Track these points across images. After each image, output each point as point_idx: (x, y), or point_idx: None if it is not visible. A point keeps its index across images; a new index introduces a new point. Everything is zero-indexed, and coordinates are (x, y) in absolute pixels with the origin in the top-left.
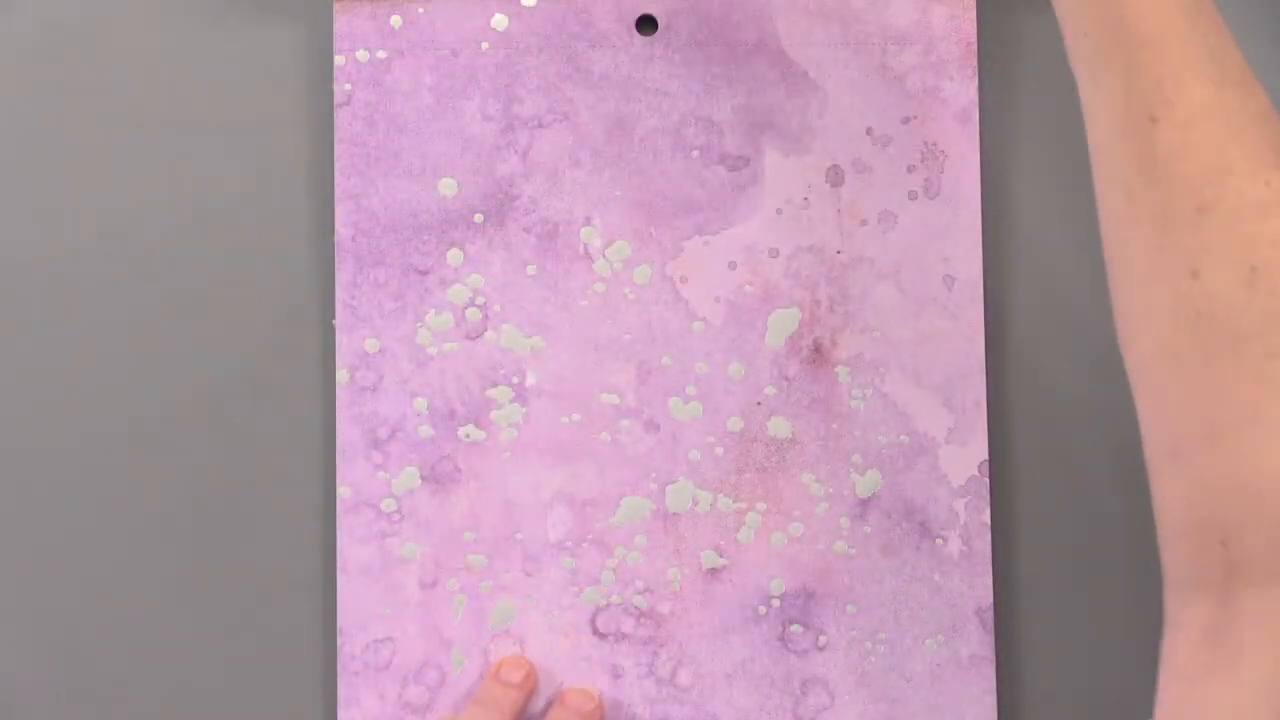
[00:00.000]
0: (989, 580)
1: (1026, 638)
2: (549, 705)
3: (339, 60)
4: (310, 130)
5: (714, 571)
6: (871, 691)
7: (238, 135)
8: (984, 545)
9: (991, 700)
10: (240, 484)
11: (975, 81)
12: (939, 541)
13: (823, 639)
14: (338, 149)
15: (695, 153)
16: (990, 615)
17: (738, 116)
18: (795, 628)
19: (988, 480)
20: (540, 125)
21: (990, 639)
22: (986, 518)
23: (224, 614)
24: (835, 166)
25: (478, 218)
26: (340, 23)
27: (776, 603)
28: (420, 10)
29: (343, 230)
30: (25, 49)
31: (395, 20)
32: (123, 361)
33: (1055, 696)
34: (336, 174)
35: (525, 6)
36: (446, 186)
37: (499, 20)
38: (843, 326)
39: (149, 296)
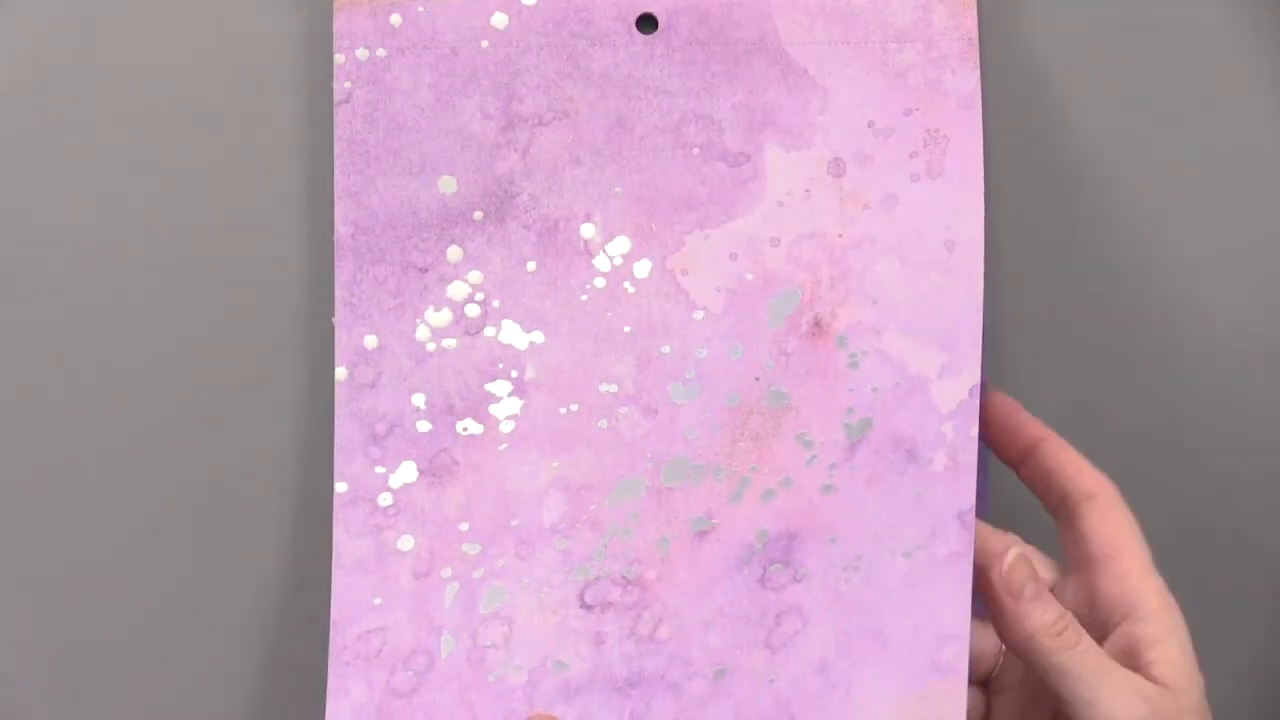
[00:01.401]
0: (972, 484)
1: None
2: None
3: (339, 59)
4: (310, 129)
5: (702, 534)
6: (845, 607)
7: (237, 134)
8: (969, 457)
9: (966, 596)
10: (238, 481)
11: (977, 74)
12: (924, 463)
13: (801, 572)
14: (337, 147)
15: (695, 150)
16: (970, 516)
17: (738, 115)
18: (775, 567)
19: (977, 401)
20: (540, 123)
21: (969, 536)
22: (974, 433)
23: (222, 610)
24: (837, 159)
25: (477, 215)
26: (340, 21)
27: (760, 547)
28: (420, 9)
29: (342, 228)
30: (24, 48)
31: (395, 19)
32: (120, 359)
33: None
34: (336, 172)
35: (525, 5)
36: (446, 184)
37: (499, 19)
38: (843, 301)
39: (147, 294)
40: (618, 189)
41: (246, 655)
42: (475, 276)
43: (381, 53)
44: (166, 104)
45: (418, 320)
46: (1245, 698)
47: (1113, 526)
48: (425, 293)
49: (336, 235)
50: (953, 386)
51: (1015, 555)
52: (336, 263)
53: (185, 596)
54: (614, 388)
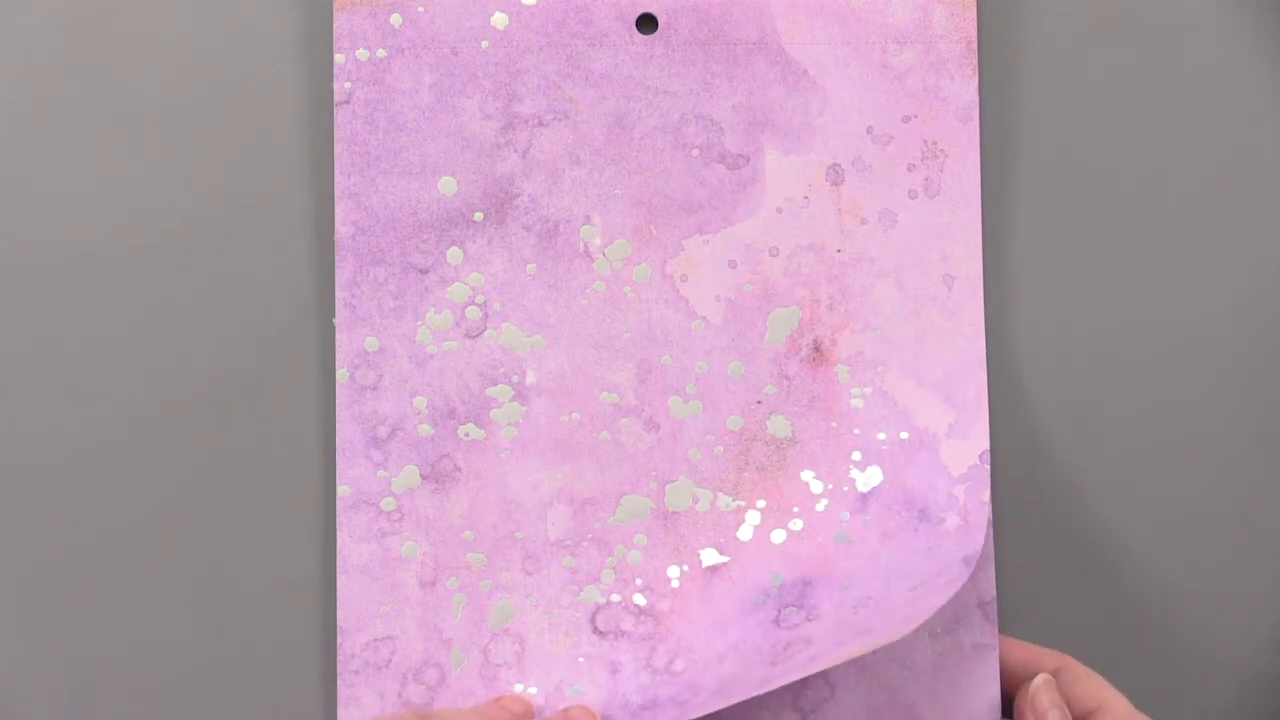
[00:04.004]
0: (981, 534)
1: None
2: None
3: (339, 59)
4: (310, 129)
5: (714, 569)
6: (851, 629)
7: (237, 134)
8: (980, 519)
9: (995, 687)
10: (240, 483)
11: (975, 80)
12: (937, 521)
13: (815, 613)
14: (337, 148)
15: (695, 151)
16: (992, 608)
17: (737, 115)
18: (790, 610)
19: (988, 468)
20: (540, 124)
21: (992, 629)
22: (986, 496)
23: (224, 613)
24: (835, 165)
25: (478, 216)
26: (340, 21)
27: (774, 591)
28: (420, 8)
29: (342, 229)
30: (25, 48)
31: (395, 19)
32: (121, 359)
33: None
34: (336, 173)
35: (525, 5)
36: (446, 185)
37: (499, 19)
38: (843, 325)
39: (147, 295)
40: (617, 190)
41: (249, 658)
42: (476, 279)
43: (382, 53)
44: (167, 104)
45: (418, 322)
46: (1245, 698)
47: (1091, 684)
48: (426, 294)
49: (337, 236)
50: (961, 450)
51: (1042, 680)
52: (337, 264)
53: (186, 598)
54: (615, 398)
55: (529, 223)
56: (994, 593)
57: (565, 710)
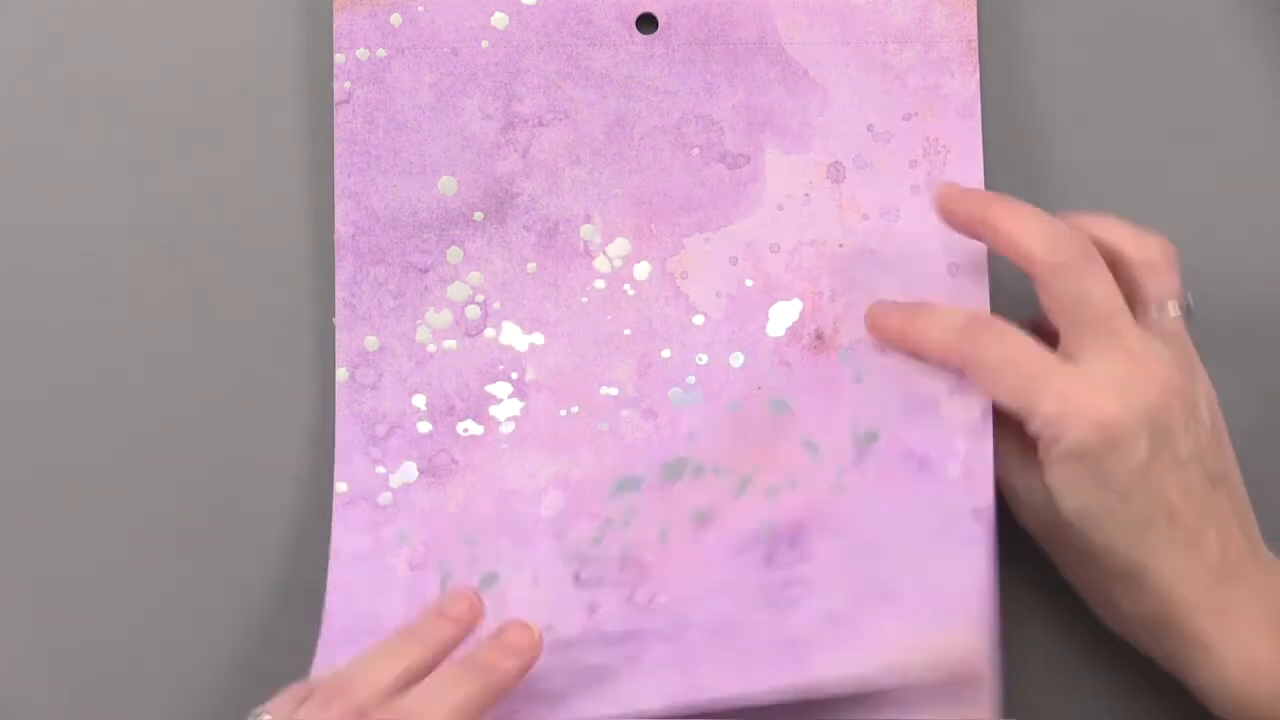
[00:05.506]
0: (989, 487)
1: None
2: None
3: (339, 58)
4: (310, 128)
5: (704, 523)
6: (860, 579)
7: (237, 134)
8: (985, 466)
9: (987, 571)
10: (239, 481)
11: (976, 76)
12: (939, 470)
13: (809, 554)
14: (337, 147)
15: (695, 151)
16: (989, 513)
17: (737, 115)
18: (782, 549)
19: (990, 424)
20: (540, 124)
21: (988, 530)
22: (988, 449)
23: (222, 611)
24: (836, 163)
25: (478, 215)
26: (340, 20)
27: (765, 537)
28: (420, 8)
29: (342, 228)
30: (25, 48)
31: (395, 18)
32: (121, 359)
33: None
34: (336, 172)
35: (525, 5)
36: (446, 185)
37: (499, 18)
38: (845, 315)
39: (148, 294)
40: (617, 190)
41: (246, 657)
42: (476, 278)
43: (381, 53)
44: (167, 104)
45: (418, 321)
46: None
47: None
48: (426, 294)
49: (337, 235)
50: (963, 406)
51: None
52: (337, 263)
53: (185, 598)
54: (614, 391)
55: (529, 222)
56: (991, 499)
57: (500, 628)
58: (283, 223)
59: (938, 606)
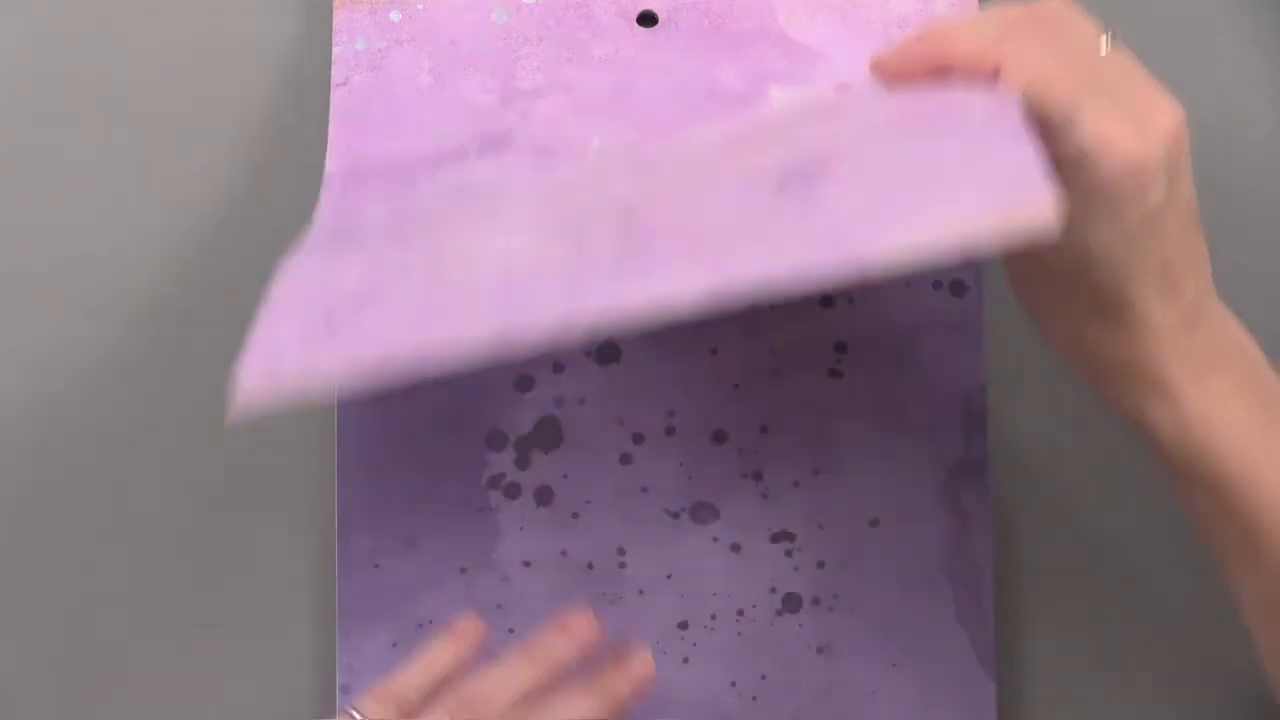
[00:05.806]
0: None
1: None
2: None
3: (337, 50)
4: (310, 128)
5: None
6: (888, 168)
7: (237, 133)
8: (1012, 112)
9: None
10: (240, 483)
11: None
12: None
13: (831, 177)
14: (332, 127)
15: (699, 98)
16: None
17: (740, 77)
18: (797, 180)
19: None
20: (539, 95)
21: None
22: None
23: (223, 612)
24: (843, 84)
25: (471, 156)
26: (339, 18)
27: (777, 170)
28: (420, 6)
29: (332, 166)
30: (25, 47)
31: (394, 15)
32: (122, 359)
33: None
34: (329, 148)
35: (525, 2)
36: (440, 136)
37: (498, 15)
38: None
39: (146, 294)
40: (621, 124)
41: (245, 656)
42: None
43: (381, 44)
44: (167, 104)
45: None
46: (1245, 699)
47: None
48: None
49: (325, 174)
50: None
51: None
52: (321, 194)
53: (184, 597)
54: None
55: (526, 149)
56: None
57: (625, 653)
58: (282, 222)
59: (995, 186)
